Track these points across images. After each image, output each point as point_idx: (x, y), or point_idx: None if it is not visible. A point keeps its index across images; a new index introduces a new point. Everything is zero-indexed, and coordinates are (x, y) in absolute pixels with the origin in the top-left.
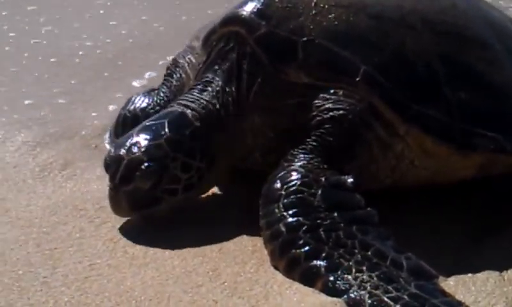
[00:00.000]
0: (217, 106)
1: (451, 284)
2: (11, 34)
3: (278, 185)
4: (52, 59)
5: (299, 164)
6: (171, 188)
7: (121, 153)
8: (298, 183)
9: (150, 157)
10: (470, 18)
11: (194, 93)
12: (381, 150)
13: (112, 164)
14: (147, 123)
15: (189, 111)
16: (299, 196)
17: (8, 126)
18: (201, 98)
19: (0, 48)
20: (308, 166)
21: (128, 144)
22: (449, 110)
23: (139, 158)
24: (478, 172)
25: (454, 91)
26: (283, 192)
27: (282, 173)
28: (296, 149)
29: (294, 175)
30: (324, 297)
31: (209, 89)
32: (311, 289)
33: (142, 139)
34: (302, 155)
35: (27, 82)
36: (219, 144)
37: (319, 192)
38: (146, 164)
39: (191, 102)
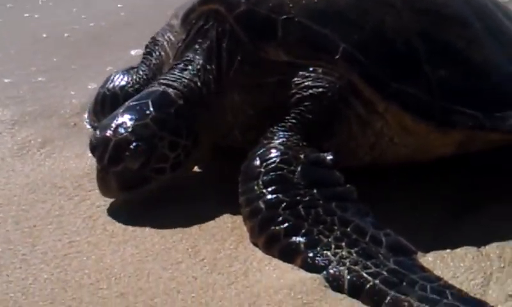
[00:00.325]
0: (199, 84)
1: (430, 260)
2: (8, 6)
3: (258, 162)
4: (41, 35)
5: (278, 141)
6: (159, 167)
7: (107, 134)
8: (277, 160)
9: (138, 136)
10: None
11: (175, 72)
12: (360, 127)
13: (99, 146)
14: (130, 103)
15: (171, 90)
16: (278, 173)
17: None
18: (183, 77)
19: None
20: (288, 143)
21: (114, 125)
22: (429, 88)
23: (126, 138)
24: (457, 149)
25: (433, 69)
26: (262, 170)
27: (261, 151)
28: (275, 127)
29: (274, 152)
30: (303, 273)
31: (190, 67)
32: (290, 265)
33: (127, 119)
34: (281, 133)
35: (5, 60)
36: (203, 122)
37: (299, 169)
38: (134, 144)
39: (172, 81)
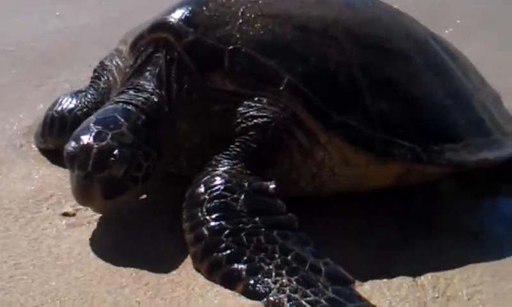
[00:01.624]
0: (154, 105)
1: (367, 289)
2: None
3: (202, 189)
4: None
5: (222, 169)
6: (135, 175)
7: (88, 142)
8: (222, 187)
9: (120, 143)
10: (392, 31)
11: (129, 94)
12: (302, 157)
13: (79, 154)
14: (98, 117)
15: (131, 106)
16: (222, 200)
17: None
18: (137, 97)
19: None
20: (232, 172)
21: (90, 134)
22: (370, 121)
23: (109, 145)
24: (396, 181)
25: (374, 102)
26: (206, 197)
27: (206, 178)
28: (220, 155)
29: (218, 180)
30: (244, 300)
31: (141, 92)
32: (232, 292)
33: (103, 129)
34: (226, 161)
35: None
36: (163, 139)
37: (242, 197)
38: (117, 151)
39: (128, 100)
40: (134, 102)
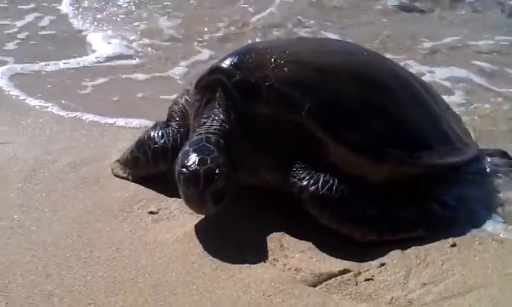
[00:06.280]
0: (225, 131)
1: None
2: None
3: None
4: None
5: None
6: (230, 185)
7: (195, 168)
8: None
9: (217, 165)
10: (382, 72)
11: (205, 125)
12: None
13: (191, 177)
14: (194, 147)
15: (211, 135)
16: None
17: (56, 153)
18: (213, 126)
19: None
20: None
21: (194, 162)
22: (367, 135)
23: (210, 167)
24: (389, 178)
25: (370, 121)
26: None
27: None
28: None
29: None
30: (278, 271)
31: (215, 122)
32: (271, 264)
33: (201, 156)
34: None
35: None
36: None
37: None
38: (218, 170)
39: (207, 130)
40: (212, 130)
